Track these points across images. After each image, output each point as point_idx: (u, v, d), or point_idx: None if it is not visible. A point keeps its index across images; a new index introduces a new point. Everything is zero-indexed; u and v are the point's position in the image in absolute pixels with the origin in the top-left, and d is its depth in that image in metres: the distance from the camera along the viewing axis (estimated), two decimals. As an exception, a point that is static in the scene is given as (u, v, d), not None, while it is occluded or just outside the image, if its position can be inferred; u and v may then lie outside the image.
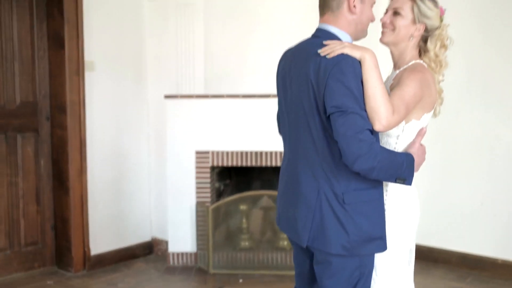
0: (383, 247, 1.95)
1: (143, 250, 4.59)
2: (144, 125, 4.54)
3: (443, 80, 2.07)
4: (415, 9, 1.96)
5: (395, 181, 1.87)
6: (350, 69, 1.79)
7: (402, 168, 1.85)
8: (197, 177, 4.30)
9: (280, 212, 2.14)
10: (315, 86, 1.84)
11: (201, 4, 4.32)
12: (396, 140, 1.98)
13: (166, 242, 4.45)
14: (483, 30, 4.05)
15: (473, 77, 4.12)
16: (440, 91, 2.06)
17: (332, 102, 1.79)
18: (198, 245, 4.29)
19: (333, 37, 1.92)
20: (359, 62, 1.81)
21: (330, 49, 1.82)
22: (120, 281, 4.04)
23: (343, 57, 1.80)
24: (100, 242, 4.28)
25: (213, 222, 4.21)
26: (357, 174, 1.84)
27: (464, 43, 4.09)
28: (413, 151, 1.94)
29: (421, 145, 1.97)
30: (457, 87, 4.12)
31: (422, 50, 2.02)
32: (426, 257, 4.35)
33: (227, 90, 4.28)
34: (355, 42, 1.97)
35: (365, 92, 1.80)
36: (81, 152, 4.12)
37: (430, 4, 1.97)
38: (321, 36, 1.94)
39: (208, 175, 4.31)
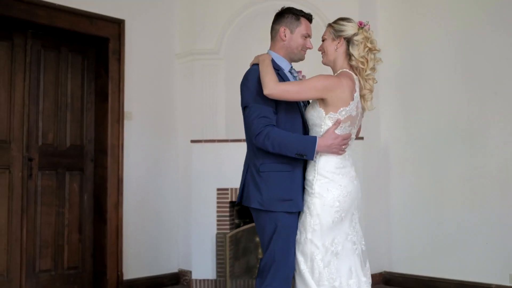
0: (293, 207, 2.55)
1: (170, 280, 5.11)
2: (173, 165, 5.22)
3: (374, 80, 2.65)
4: (331, 30, 2.66)
5: (295, 156, 2.50)
6: (252, 76, 2.59)
7: (300, 145, 2.50)
8: (217, 211, 4.88)
9: None
10: None
11: (222, 64, 5.11)
12: (320, 129, 2.59)
13: (191, 273, 4.97)
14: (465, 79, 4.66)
15: (457, 119, 4.67)
16: (371, 89, 2.65)
17: (242, 100, 2.61)
18: (217, 272, 4.79)
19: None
20: None
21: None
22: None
23: (251, 68, 2.63)
24: (132, 269, 4.84)
25: (232, 249, 4.74)
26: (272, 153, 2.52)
27: (449, 93, 4.71)
28: (325, 135, 2.55)
29: (334, 133, 2.53)
30: (444, 130, 4.71)
31: (349, 56, 2.64)
32: (427, 286, 4.73)
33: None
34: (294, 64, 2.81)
35: None
36: (118, 188, 4.79)
37: (342, 22, 2.65)
38: None
39: (228, 209, 4.90)
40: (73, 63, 4.84)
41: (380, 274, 5.01)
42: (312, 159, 2.53)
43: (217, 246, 4.80)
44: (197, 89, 5.12)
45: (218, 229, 4.87)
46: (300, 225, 2.58)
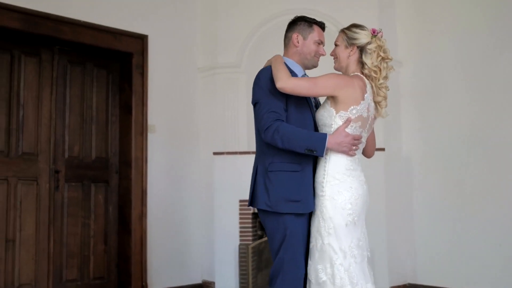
0: (301, 209, 2.53)
1: (194, 290, 5.17)
2: (196, 177, 5.28)
3: (387, 88, 2.65)
4: (344, 37, 2.66)
5: (305, 151, 2.47)
6: (264, 74, 2.61)
7: (310, 141, 2.48)
8: (240, 223, 4.93)
9: None
10: None
11: (244, 78, 5.17)
12: (330, 129, 2.58)
13: (215, 284, 5.01)
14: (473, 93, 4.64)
15: (477, 129, 4.66)
16: (385, 96, 2.65)
17: (253, 98, 2.62)
18: (241, 283, 4.82)
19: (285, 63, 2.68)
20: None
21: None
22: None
23: (263, 69, 2.65)
24: (156, 279, 4.89)
25: (255, 261, 4.78)
26: (282, 151, 2.51)
27: (469, 103, 4.69)
28: (335, 132, 2.53)
29: (345, 131, 2.52)
30: (465, 140, 4.69)
31: (361, 64, 2.65)
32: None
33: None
34: (307, 71, 2.81)
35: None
36: (142, 199, 4.87)
37: (355, 29, 2.65)
38: None
39: (250, 220, 4.94)
40: (98, 77, 4.96)
41: (404, 286, 4.98)
42: (322, 156, 2.50)
43: (240, 257, 4.84)
44: (219, 102, 5.19)
45: (240, 240, 4.91)
46: (314, 231, 2.55)
